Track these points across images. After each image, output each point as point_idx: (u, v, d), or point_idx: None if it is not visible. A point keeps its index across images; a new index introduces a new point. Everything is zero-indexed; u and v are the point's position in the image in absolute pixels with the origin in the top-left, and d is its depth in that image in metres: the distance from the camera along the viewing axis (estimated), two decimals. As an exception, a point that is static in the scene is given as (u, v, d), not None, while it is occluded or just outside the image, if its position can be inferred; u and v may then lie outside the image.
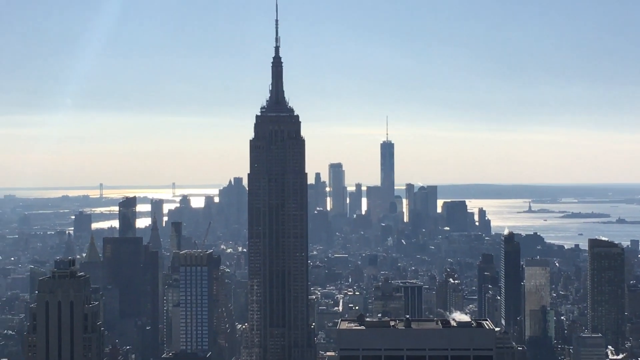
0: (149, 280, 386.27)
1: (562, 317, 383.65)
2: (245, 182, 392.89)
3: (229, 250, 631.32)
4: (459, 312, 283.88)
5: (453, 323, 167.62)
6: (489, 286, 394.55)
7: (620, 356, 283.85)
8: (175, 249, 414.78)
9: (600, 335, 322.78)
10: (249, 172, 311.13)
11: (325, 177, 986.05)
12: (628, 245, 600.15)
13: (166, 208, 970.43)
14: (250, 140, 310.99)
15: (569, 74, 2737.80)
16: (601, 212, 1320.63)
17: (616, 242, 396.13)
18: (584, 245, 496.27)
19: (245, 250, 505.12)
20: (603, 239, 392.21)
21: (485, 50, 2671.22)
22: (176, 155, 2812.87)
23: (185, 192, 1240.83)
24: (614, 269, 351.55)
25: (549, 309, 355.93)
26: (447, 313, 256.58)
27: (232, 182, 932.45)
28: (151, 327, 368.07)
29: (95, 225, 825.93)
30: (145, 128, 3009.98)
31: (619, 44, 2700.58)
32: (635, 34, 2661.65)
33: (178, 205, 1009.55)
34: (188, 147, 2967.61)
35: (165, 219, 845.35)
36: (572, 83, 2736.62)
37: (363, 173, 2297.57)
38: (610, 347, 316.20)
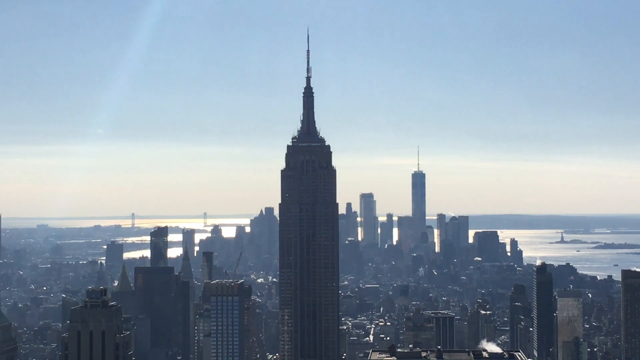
0: (180, 310, 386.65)
1: (595, 349, 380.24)
2: (276, 212, 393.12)
3: (260, 280, 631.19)
4: (490, 342, 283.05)
5: (485, 354, 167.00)
6: (521, 317, 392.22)
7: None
8: (207, 278, 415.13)
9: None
10: (280, 202, 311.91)
11: (356, 207, 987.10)
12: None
13: (197, 238, 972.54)
14: (282, 170, 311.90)
15: (601, 104, 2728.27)
16: (634, 242, 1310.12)
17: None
18: (617, 276, 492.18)
19: (276, 280, 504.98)
20: (637, 269, 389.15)
21: (518, 80, 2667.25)
22: (208, 185, 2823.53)
23: (217, 222, 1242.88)
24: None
25: (581, 340, 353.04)
26: (481, 343, 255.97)
27: (264, 212, 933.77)
28: (182, 357, 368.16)
29: (127, 255, 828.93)
30: (177, 158, 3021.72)
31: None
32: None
33: (209, 235, 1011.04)
34: (220, 177, 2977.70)
35: (197, 248, 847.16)
36: (604, 113, 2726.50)
37: (394, 203, 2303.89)
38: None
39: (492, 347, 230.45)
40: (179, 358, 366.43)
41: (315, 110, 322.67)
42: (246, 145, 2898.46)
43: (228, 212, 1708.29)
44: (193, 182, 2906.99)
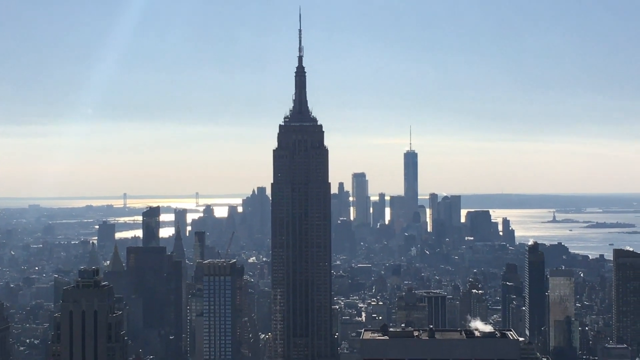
0: (172, 289, 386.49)
1: (586, 328, 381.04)
2: (268, 192, 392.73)
3: (252, 260, 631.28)
4: (475, 319, 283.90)
5: (477, 333, 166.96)
6: (513, 296, 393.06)
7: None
8: (199, 258, 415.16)
9: (625, 346, 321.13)
10: (272, 181, 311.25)
11: (348, 186, 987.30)
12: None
13: (190, 218, 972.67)
14: (274, 150, 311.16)
15: (594, 83, 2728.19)
16: (626, 222, 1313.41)
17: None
18: (609, 255, 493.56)
19: (268, 259, 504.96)
20: (628, 249, 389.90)
21: (509, 60, 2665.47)
22: (200, 165, 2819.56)
23: (209, 201, 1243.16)
24: (639, 280, 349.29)
25: (573, 319, 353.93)
26: (470, 320, 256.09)
27: (256, 192, 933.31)
28: (174, 337, 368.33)
29: (118, 235, 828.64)
30: (168, 138, 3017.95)
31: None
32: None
33: (201, 215, 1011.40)
34: (211, 157, 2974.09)
35: (189, 228, 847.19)
36: (596, 92, 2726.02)
37: (386, 183, 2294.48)
38: (637, 358, 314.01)
39: (477, 324, 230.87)
40: (171, 337, 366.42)
41: (307, 89, 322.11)
42: (238, 124, 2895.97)
43: (220, 191, 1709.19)
44: (185, 161, 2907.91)
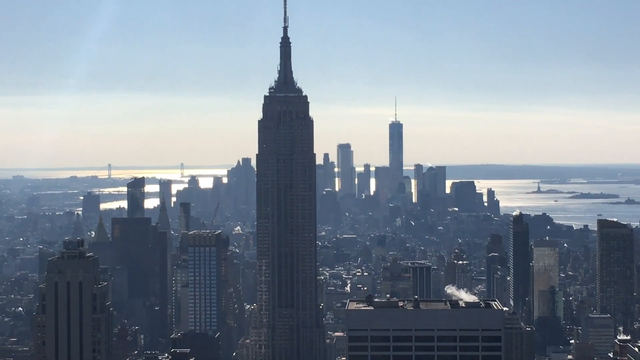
0: (157, 260, 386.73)
1: (570, 298, 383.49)
2: (253, 163, 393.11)
3: (237, 231, 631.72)
4: (452, 286, 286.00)
5: (462, 304, 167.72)
6: (498, 267, 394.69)
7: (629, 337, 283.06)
8: (184, 229, 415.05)
9: (608, 315, 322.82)
10: (257, 152, 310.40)
11: (333, 157, 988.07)
12: (637, 226, 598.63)
13: (174, 189, 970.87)
14: (259, 121, 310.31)
15: (578, 54, 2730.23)
16: (610, 192, 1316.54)
17: (625, 223, 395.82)
18: (593, 225, 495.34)
19: (253, 230, 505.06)
20: (612, 219, 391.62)
21: (494, 30, 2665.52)
22: (184, 136, 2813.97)
23: (194, 172, 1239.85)
24: (623, 250, 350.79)
25: (557, 289, 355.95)
26: (449, 288, 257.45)
27: (241, 163, 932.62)
28: (160, 308, 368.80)
29: (103, 206, 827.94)
30: (153, 109, 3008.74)
31: (629, 24, 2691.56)
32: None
33: (186, 185, 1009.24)
34: (196, 128, 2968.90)
35: (174, 199, 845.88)
36: (581, 63, 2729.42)
37: (371, 153, 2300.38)
38: (619, 328, 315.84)
39: (452, 290, 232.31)
40: (156, 308, 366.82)
41: (292, 60, 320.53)
42: (223, 95, 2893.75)
43: (205, 162, 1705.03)
44: (170, 132, 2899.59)
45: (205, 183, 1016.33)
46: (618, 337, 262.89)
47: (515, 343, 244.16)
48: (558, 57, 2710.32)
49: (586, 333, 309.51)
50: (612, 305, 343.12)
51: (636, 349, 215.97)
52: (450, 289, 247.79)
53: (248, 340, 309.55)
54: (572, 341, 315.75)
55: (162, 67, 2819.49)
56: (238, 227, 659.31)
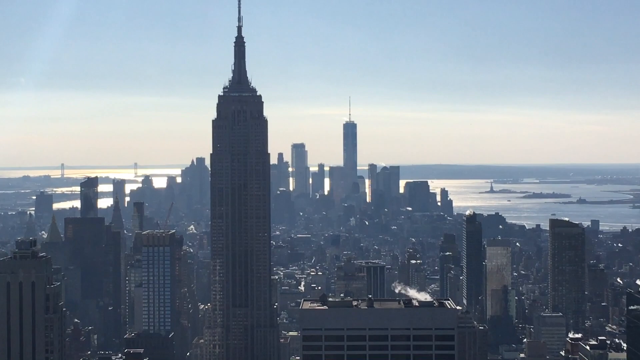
0: (111, 260, 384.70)
1: (523, 297, 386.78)
2: (207, 162, 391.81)
3: (191, 230, 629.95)
4: (400, 283, 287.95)
5: (415, 302, 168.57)
6: (451, 266, 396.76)
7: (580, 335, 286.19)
8: (138, 229, 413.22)
9: (560, 314, 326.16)
10: (211, 152, 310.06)
11: (288, 157, 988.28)
12: (588, 225, 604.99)
13: (128, 188, 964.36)
14: (213, 121, 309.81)
15: (531, 55, 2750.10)
16: (562, 192, 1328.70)
17: (577, 223, 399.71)
18: (545, 225, 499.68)
19: (207, 230, 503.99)
20: (564, 219, 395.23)
21: (450, 31, 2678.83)
22: (138, 136, 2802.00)
23: (148, 172, 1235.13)
24: (575, 249, 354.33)
25: (510, 288, 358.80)
26: (395, 286, 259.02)
27: (195, 162, 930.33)
28: (113, 308, 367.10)
29: (56, 206, 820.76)
30: (107, 108, 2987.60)
31: (581, 26, 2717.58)
32: (597, 16, 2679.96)
33: (140, 185, 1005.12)
34: (150, 127, 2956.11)
35: (128, 199, 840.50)
36: (534, 64, 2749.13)
37: (326, 153, 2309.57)
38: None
39: (400, 287, 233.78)
40: (109, 308, 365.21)
41: (246, 59, 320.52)
42: (178, 95, 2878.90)
43: (159, 162, 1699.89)
44: (123, 131, 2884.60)
45: (159, 183, 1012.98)
46: (569, 336, 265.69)
47: (469, 342, 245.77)
48: (512, 58, 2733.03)
49: (538, 332, 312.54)
50: (563, 304, 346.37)
51: (587, 347, 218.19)
52: (399, 286, 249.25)
53: (202, 340, 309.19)
54: (524, 340, 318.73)
55: (116, 66, 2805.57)
56: (192, 227, 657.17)
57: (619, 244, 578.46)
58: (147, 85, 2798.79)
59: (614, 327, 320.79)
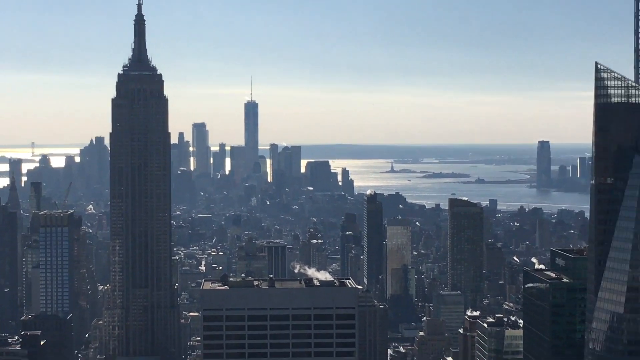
0: (7, 241, 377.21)
1: (422, 276, 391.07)
2: (107, 142, 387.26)
3: (90, 210, 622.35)
4: (296, 262, 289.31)
5: (316, 282, 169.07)
6: (352, 245, 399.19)
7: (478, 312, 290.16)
8: (35, 209, 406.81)
9: (459, 292, 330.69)
10: (110, 131, 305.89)
11: (188, 137, 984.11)
12: (487, 205, 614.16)
13: (25, 168, 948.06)
14: (112, 99, 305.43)
15: (432, 37, 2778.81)
16: (461, 172, 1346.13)
17: (475, 202, 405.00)
18: (445, 205, 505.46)
19: (107, 210, 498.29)
20: (463, 198, 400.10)
21: (353, 12, 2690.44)
22: (35, 114, 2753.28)
23: (45, 151, 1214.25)
24: (473, 228, 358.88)
25: (410, 267, 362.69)
26: (294, 266, 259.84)
27: (94, 142, 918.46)
28: (10, 289, 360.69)
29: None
30: (2, 86, 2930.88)
31: (481, 8, 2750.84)
32: (495, 3, 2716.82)
33: (37, 165, 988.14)
34: (48, 106, 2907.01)
35: (24, 179, 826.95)
36: (434, 46, 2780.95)
37: (227, 133, 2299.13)
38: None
39: (298, 266, 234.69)
40: (6, 290, 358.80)
41: (146, 38, 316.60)
42: (76, 73, 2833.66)
43: (57, 141, 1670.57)
44: (20, 110, 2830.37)
45: (57, 162, 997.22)
46: (468, 314, 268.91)
47: (369, 320, 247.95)
48: (413, 39, 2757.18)
49: (437, 310, 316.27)
50: (462, 282, 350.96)
51: (485, 325, 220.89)
52: (297, 266, 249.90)
53: (101, 322, 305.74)
54: (424, 318, 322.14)
55: (11, 43, 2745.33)
56: (91, 207, 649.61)
57: (516, 223, 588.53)
58: (44, 63, 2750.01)
59: (511, 304, 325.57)
